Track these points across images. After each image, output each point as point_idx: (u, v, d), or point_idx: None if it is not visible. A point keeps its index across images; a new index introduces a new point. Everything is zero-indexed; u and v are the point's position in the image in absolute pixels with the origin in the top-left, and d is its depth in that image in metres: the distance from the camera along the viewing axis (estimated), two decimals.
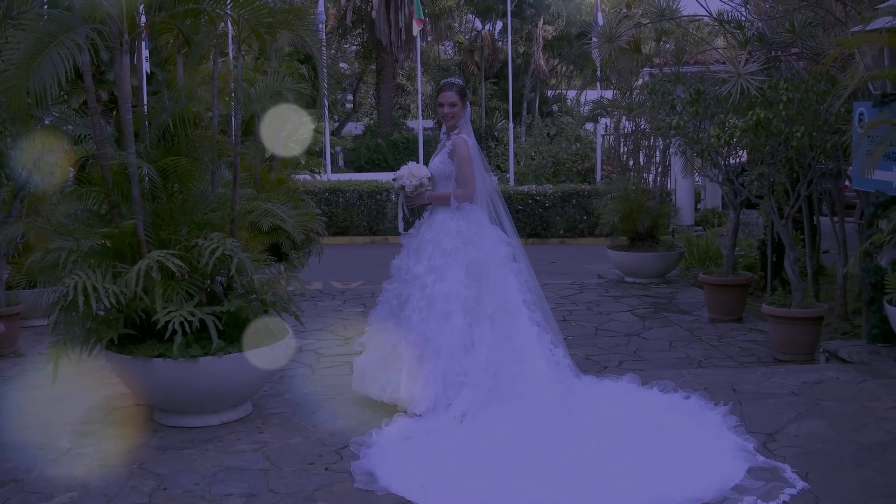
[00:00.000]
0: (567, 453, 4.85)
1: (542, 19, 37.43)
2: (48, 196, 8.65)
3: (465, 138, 6.02)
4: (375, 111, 38.35)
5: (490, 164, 21.52)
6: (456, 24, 39.97)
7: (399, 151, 31.11)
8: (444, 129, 6.24)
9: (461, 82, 6.26)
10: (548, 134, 25.68)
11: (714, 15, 9.47)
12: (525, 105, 37.06)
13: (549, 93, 40.53)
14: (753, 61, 7.88)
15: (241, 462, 4.99)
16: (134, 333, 5.53)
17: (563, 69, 40.96)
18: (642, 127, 12.35)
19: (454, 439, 5.15)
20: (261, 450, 5.18)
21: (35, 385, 6.84)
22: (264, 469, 4.88)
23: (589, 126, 21.31)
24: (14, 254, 8.90)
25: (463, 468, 4.71)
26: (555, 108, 37.76)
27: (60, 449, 5.23)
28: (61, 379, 5.49)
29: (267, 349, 5.66)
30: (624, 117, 12.88)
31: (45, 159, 8.34)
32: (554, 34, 38.04)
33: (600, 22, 18.19)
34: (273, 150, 5.72)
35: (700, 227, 18.07)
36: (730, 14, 9.54)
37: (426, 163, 6.30)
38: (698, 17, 10.60)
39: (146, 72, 12.79)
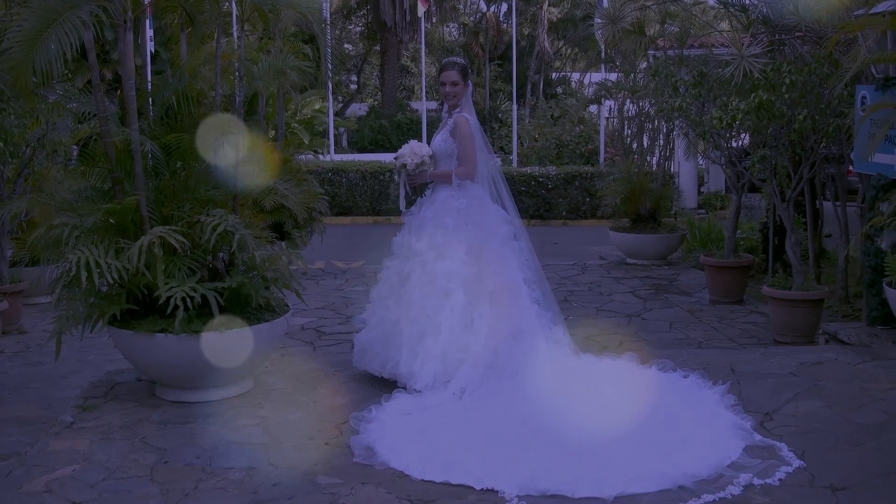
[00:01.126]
0: (564, 430, 4.88)
1: (546, 1, 37.28)
2: (52, 173, 8.70)
3: (467, 116, 6.03)
4: (379, 92, 38.19)
5: (493, 145, 21.49)
6: (461, 6, 39.83)
7: (403, 133, 30.95)
8: (445, 108, 6.25)
9: (463, 61, 6.26)
10: (551, 116, 25.60)
11: None
12: (529, 87, 36.93)
13: (554, 75, 40.37)
14: (757, 44, 7.87)
15: (242, 436, 5.04)
16: (136, 309, 5.57)
17: (568, 51, 40.78)
18: (646, 109, 12.33)
19: (453, 415, 5.20)
20: (261, 424, 5.22)
21: (38, 361, 6.91)
22: (264, 443, 4.93)
23: (593, 108, 21.24)
24: (18, 230, 8.94)
25: (461, 444, 4.75)
26: (559, 90, 37.63)
27: (63, 423, 5.28)
28: (64, 355, 5.55)
29: (267, 325, 5.70)
30: (628, 99, 12.86)
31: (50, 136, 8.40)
32: (559, 16, 37.89)
33: (605, 4, 18.07)
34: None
35: (703, 210, 18.03)
36: None
37: (429, 143, 6.31)
38: (703, 0, 10.58)
39: (150, 51, 12.81)
